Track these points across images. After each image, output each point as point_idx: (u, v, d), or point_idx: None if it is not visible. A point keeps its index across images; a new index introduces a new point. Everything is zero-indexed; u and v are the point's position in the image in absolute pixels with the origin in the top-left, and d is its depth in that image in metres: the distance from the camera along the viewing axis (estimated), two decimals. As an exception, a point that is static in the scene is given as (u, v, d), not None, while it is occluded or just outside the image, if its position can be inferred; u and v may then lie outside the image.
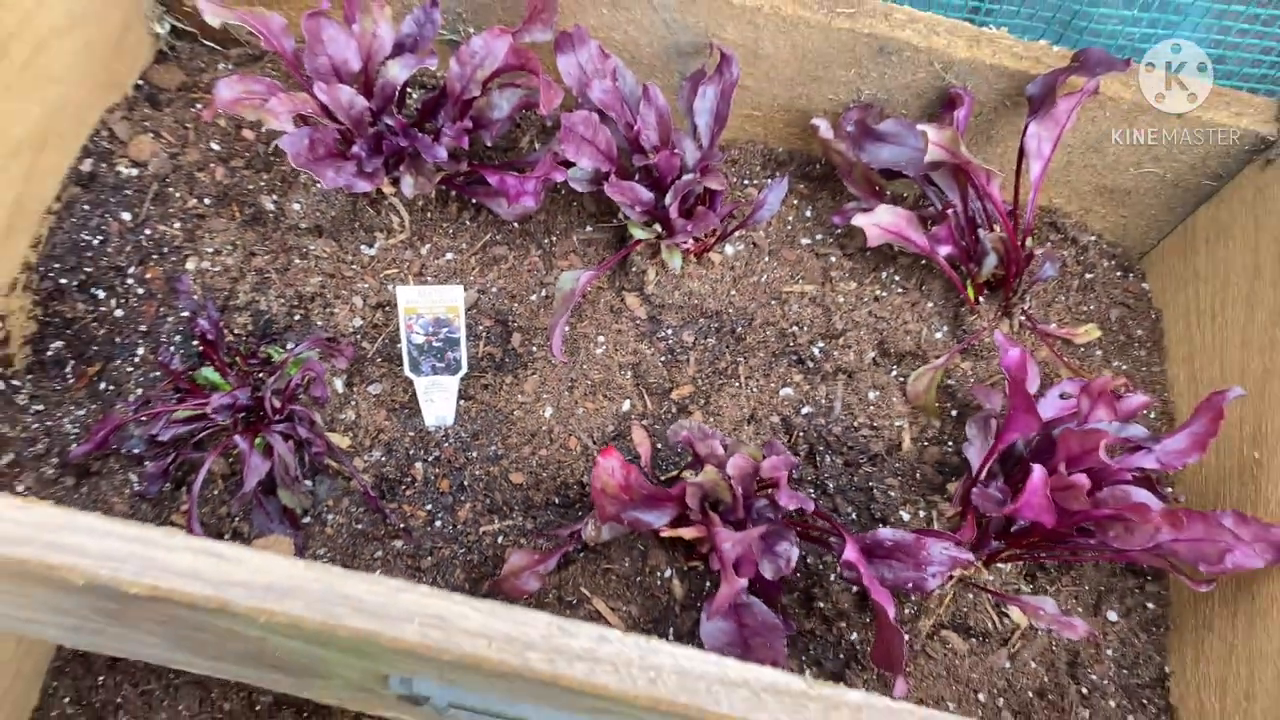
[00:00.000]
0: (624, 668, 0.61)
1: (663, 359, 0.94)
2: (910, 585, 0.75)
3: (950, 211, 0.89)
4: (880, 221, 0.88)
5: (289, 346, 0.86)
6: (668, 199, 0.86)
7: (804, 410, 0.92)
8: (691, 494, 0.72)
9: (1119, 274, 1.04)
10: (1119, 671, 0.84)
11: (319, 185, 0.93)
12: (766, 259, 0.99)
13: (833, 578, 0.85)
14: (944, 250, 0.90)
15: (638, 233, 0.90)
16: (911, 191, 1.01)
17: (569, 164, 0.87)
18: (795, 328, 0.96)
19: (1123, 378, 0.92)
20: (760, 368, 0.94)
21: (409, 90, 0.98)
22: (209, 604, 0.60)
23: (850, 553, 0.73)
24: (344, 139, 0.81)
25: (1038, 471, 0.69)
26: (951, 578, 0.84)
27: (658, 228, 0.90)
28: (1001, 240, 0.89)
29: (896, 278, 1.00)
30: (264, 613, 0.60)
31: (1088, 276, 1.02)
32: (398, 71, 0.83)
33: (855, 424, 0.92)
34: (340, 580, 0.61)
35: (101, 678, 1.16)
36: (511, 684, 0.65)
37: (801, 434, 0.92)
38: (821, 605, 0.84)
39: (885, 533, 0.75)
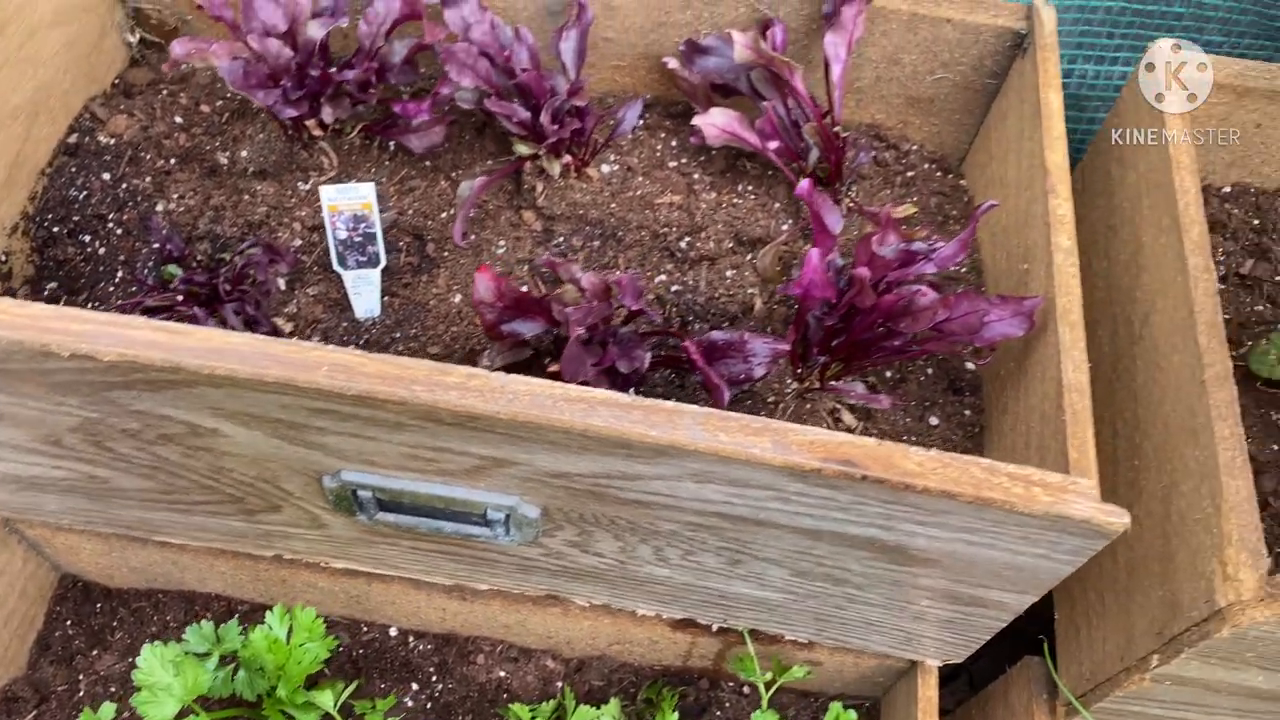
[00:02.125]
0: (488, 393, 0.77)
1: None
2: (742, 376, 0.93)
3: (771, 109, 1.10)
4: (715, 121, 1.08)
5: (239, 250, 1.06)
6: (542, 115, 1.07)
7: (674, 289, 1.11)
8: (556, 309, 0.90)
9: (939, 174, 1.24)
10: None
11: (261, 137, 1.14)
12: (640, 178, 1.19)
13: (695, 393, 1.02)
14: (772, 145, 1.11)
15: (521, 148, 1.11)
16: (752, 112, 1.22)
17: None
18: (665, 228, 1.15)
19: (913, 206, 1.10)
20: (637, 259, 1.13)
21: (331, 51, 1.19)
22: (165, 365, 0.77)
23: (690, 349, 0.91)
24: (274, 77, 1.02)
25: (814, 252, 0.87)
26: (788, 392, 1.01)
27: (537, 145, 1.11)
28: (816, 131, 1.09)
29: (749, 188, 1.20)
30: (208, 368, 0.77)
31: (909, 174, 1.23)
32: (316, 30, 1.05)
33: (716, 295, 1.11)
34: (265, 344, 0.79)
35: (99, 604, 1.32)
36: (404, 434, 0.80)
37: (674, 308, 1.10)
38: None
39: (717, 334, 0.93)
